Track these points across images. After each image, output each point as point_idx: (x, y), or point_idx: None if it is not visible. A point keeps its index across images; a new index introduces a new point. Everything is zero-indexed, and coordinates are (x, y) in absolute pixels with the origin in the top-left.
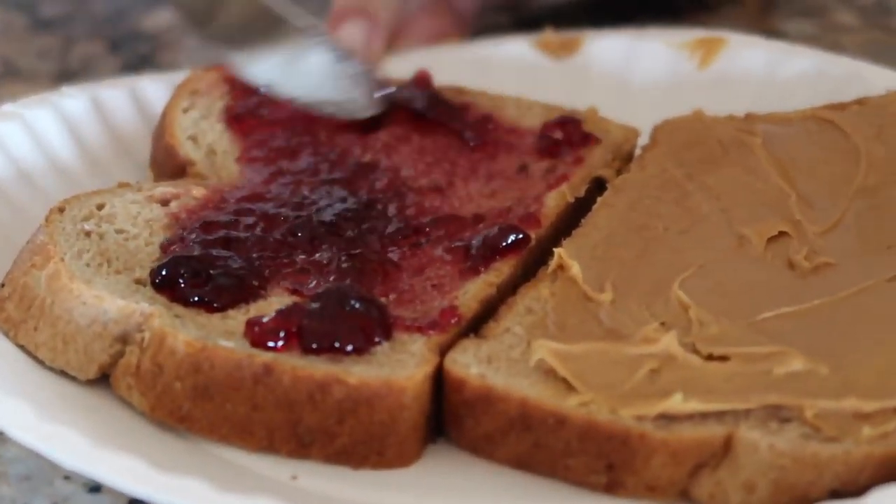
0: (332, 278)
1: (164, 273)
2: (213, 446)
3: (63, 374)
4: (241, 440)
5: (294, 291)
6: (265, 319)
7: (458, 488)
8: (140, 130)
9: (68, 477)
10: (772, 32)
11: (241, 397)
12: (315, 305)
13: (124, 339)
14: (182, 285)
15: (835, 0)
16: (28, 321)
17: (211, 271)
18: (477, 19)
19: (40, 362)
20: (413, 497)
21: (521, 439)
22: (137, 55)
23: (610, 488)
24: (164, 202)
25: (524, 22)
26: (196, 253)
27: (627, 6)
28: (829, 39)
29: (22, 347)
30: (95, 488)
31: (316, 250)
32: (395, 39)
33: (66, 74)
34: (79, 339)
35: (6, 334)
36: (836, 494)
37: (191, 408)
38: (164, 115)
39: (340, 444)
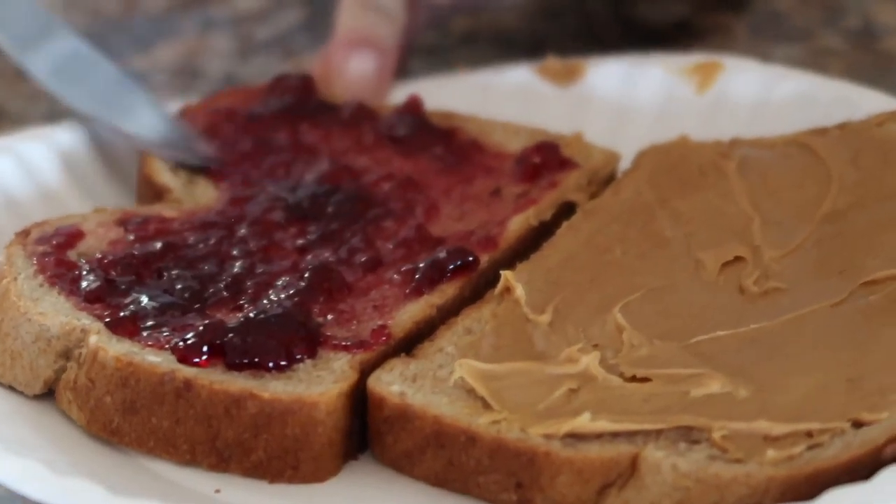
0: (280, 295)
1: (89, 289)
2: (147, 460)
3: (12, 389)
4: (166, 453)
5: (237, 308)
6: (190, 335)
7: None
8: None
9: None
10: (758, 57)
11: (165, 411)
12: (239, 322)
13: (66, 356)
14: (106, 304)
15: (820, 24)
16: None
17: (134, 294)
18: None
19: None
20: None
21: (437, 457)
22: None
23: None
24: (128, 225)
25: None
26: (123, 274)
27: (615, 33)
28: (815, 63)
29: None
30: None
31: (271, 263)
32: None
33: (55, 116)
34: (25, 356)
35: None
36: None
37: (120, 421)
38: None
39: (256, 459)
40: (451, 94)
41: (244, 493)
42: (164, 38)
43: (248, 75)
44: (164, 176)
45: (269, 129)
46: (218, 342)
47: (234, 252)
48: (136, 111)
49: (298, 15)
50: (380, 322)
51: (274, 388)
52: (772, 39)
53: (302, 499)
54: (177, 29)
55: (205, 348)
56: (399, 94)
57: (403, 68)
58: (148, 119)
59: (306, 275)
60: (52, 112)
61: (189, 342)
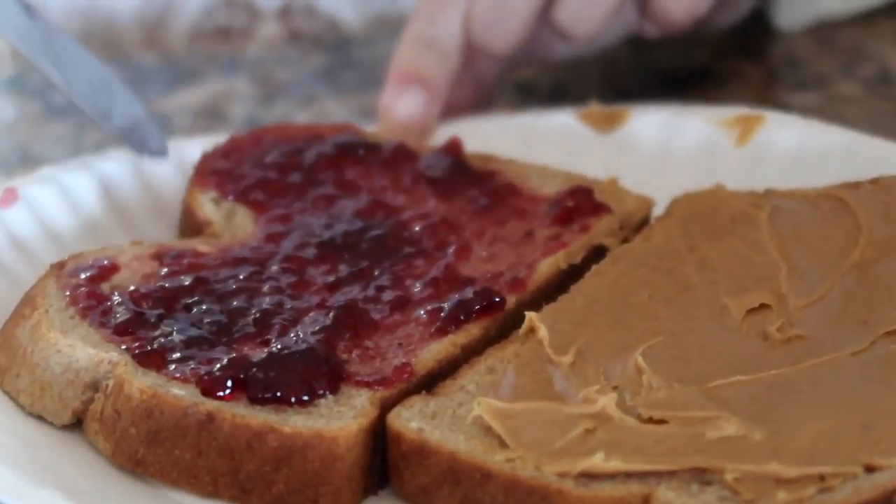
0: (306, 331)
1: (118, 322)
2: (171, 491)
3: (41, 418)
4: (189, 485)
5: (263, 343)
6: (215, 369)
7: None
8: (180, 193)
9: None
10: (776, 104)
11: (187, 444)
12: (263, 357)
13: (94, 387)
14: (135, 336)
15: (837, 71)
16: (13, 368)
17: (164, 327)
18: (498, 88)
19: (22, 408)
20: None
21: (453, 493)
22: None
23: None
24: (163, 259)
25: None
26: (153, 307)
27: (635, 81)
28: (832, 111)
29: (7, 394)
30: None
31: (300, 300)
32: None
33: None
34: (54, 386)
35: None
36: None
37: (145, 452)
38: (192, 176)
39: (277, 492)
40: (493, 135)
41: None
42: (186, 81)
43: (270, 119)
44: (206, 208)
45: (312, 165)
46: (241, 376)
47: (264, 288)
48: (111, 97)
49: (321, 60)
50: (403, 360)
51: (295, 422)
52: (788, 87)
53: None
54: (198, 71)
55: (229, 382)
56: (442, 134)
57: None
58: (120, 107)
59: (332, 312)
60: (76, 156)
61: (213, 375)
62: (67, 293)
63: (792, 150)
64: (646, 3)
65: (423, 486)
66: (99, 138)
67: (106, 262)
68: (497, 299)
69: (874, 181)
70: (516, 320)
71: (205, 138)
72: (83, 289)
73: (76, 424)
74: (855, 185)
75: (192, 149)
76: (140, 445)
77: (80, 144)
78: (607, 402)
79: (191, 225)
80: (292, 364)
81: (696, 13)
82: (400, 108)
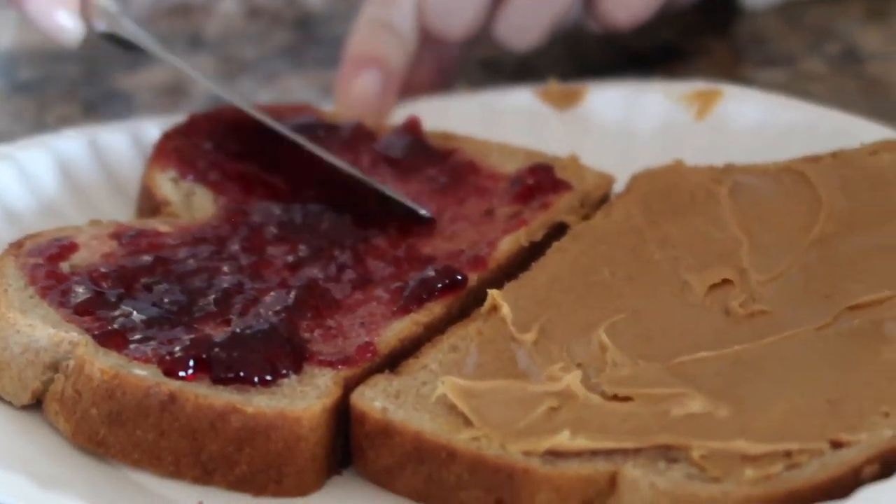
0: (267, 311)
1: (78, 302)
2: (132, 472)
3: (1, 399)
4: (150, 465)
5: (225, 323)
6: (176, 349)
7: None
8: (137, 173)
9: None
10: (742, 81)
11: (149, 424)
12: (225, 336)
13: (55, 367)
14: (95, 316)
15: (803, 48)
16: None
17: (124, 307)
18: (460, 67)
19: None
20: None
21: (417, 472)
22: (111, 116)
23: None
24: (122, 238)
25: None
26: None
27: (602, 58)
28: (798, 88)
29: None
30: None
31: (261, 279)
32: None
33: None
34: (13, 366)
35: None
36: None
37: (106, 433)
38: (151, 155)
39: (240, 472)
40: (453, 114)
41: None
42: (148, 60)
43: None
44: (165, 188)
45: (271, 145)
46: (204, 356)
47: (225, 267)
48: None
49: (283, 37)
50: (366, 339)
51: (258, 402)
52: (755, 64)
53: None
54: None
55: (191, 362)
56: (401, 115)
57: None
58: None
59: (293, 292)
60: (38, 132)
61: (175, 356)
62: (26, 272)
63: (752, 124)
64: (591, 4)
65: (388, 466)
66: (61, 114)
67: (65, 242)
68: (459, 277)
69: (835, 154)
70: (478, 298)
71: (164, 118)
72: (42, 268)
73: (36, 405)
74: (815, 159)
75: (150, 128)
76: (101, 426)
77: (40, 120)
78: (571, 379)
79: (149, 205)
80: (255, 344)
81: (640, 19)
82: (356, 90)
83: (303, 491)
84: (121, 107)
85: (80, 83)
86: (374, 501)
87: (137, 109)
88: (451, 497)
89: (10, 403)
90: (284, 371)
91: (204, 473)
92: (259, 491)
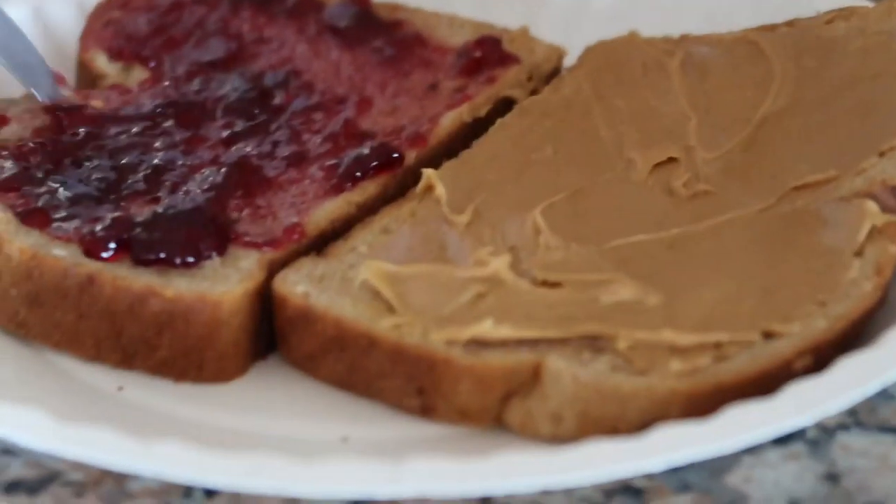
0: (196, 189)
1: (3, 178)
2: (54, 355)
3: None
4: (71, 348)
5: (153, 201)
6: (98, 228)
7: (276, 406)
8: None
9: None
10: None
11: (68, 306)
12: (148, 216)
13: None
14: (20, 193)
15: None
16: None
17: (51, 183)
18: None
19: None
20: (227, 412)
21: (339, 359)
22: None
23: (424, 412)
24: (56, 112)
25: None
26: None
27: None
28: None
29: None
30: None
31: (193, 156)
32: None
33: None
34: None
35: None
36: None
37: (26, 314)
38: (85, 29)
39: (161, 357)
40: None
41: (148, 391)
42: None
43: None
44: (100, 61)
45: (212, 14)
46: (125, 236)
47: (157, 143)
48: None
49: None
50: (295, 219)
51: (178, 285)
52: None
53: (203, 398)
54: None
55: (112, 243)
56: None
57: None
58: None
59: (223, 169)
60: None
61: (96, 235)
62: None
63: None
64: None
65: (310, 353)
66: None
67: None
68: (395, 155)
69: (790, 23)
70: (417, 177)
71: None
72: None
73: None
74: (772, 28)
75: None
76: (21, 307)
77: None
78: (500, 264)
79: (86, 77)
80: (177, 224)
81: None
82: None
83: (225, 377)
84: None
85: None
86: (296, 388)
87: None
88: (372, 385)
89: None
90: (207, 253)
91: (125, 357)
92: (180, 376)
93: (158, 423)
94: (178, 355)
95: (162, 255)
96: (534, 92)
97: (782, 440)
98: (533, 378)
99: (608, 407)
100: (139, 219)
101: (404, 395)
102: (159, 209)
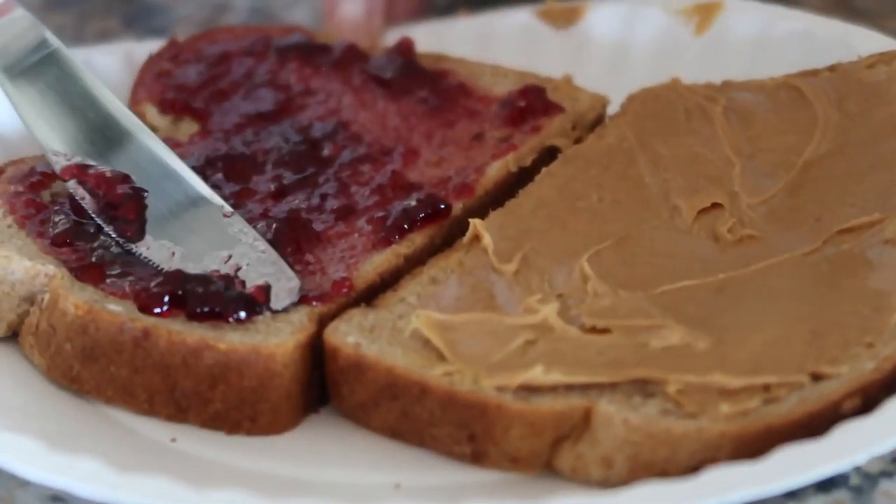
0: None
1: (57, 233)
2: (107, 408)
3: None
4: (124, 402)
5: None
6: (152, 284)
7: (328, 455)
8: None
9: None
10: None
11: (123, 360)
12: (201, 272)
13: (31, 300)
14: (73, 248)
15: None
16: None
17: (103, 238)
18: None
19: None
20: (281, 462)
21: (390, 408)
22: (151, 29)
23: (475, 459)
24: None
25: None
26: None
27: None
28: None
29: None
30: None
31: (243, 209)
32: None
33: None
34: None
35: None
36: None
37: (80, 369)
38: (136, 81)
39: (214, 410)
40: (452, 38)
41: (200, 443)
42: None
43: (274, 9)
44: (150, 114)
45: (259, 66)
46: (179, 292)
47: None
48: None
49: None
50: (343, 273)
51: (231, 339)
52: None
53: (256, 450)
54: None
55: (166, 298)
56: (398, 37)
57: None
58: None
59: (274, 225)
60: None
61: (150, 291)
62: (5, 201)
63: (751, 36)
64: None
65: (362, 403)
66: (101, 28)
67: (48, 169)
68: (442, 206)
69: (832, 68)
70: (463, 228)
71: (154, 41)
72: (22, 196)
73: (11, 337)
74: (813, 73)
75: (140, 49)
76: (75, 361)
77: (80, 35)
78: (549, 311)
79: None
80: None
81: None
82: (342, 12)
83: (278, 429)
84: (160, 20)
85: None
86: (348, 439)
87: (176, 22)
88: (423, 433)
89: None
90: (259, 308)
91: (178, 411)
92: (233, 429)
93: (214, 473)
94: (231, 408)
95: (215, 310)
96: (578, 140)
97: (825, 486)
98: (583, 423)
99: (659, 450)
100: (192, 274)
101: (455, 441)
102: (220, 262)
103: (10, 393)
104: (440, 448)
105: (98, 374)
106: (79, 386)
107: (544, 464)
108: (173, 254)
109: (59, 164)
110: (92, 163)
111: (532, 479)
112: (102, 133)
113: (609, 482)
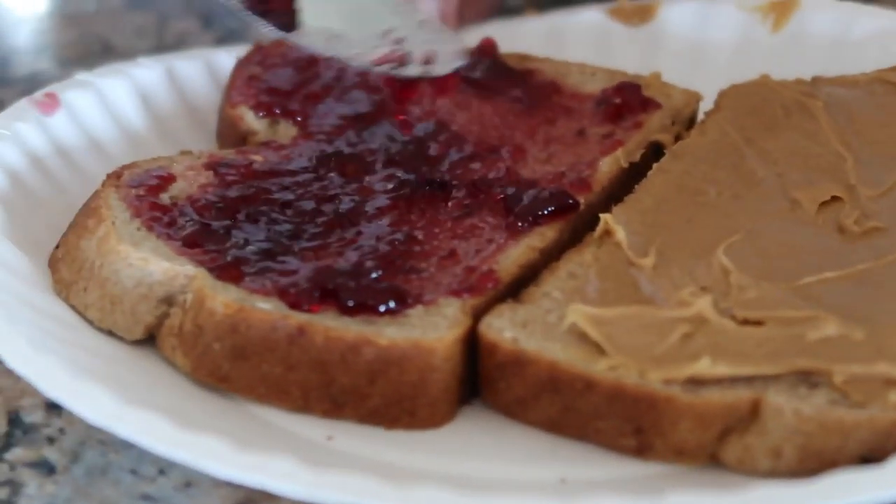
0: (378, 245)
1: (187, 234)
2: (255, 407)
3: (111, 334)
4: (277, 400)
5: (336, 253)
6: (300, 280)
7: (488, 450)
8: (214, 101)
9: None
10: None
11: (276, 358)
12: (350, 265)
13: (169, 301)
14: (204, 249)
15: None
16: (79, 282)
17: (234, 238)
18: None
19: (90, 322)
20: (443, 458)
21: (552, 402)
22: (229, 30)
23: (640, 452)
24: (217, 168)
25: None
26: (218, 218)
27: None
28: None
29: (73, 308)
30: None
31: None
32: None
33: (162, 50)
34: (125, 301)
35: (59, 295)
36: (865, 461)
37: (229, 368)
38: (228, 85)
39: (372, 405)
40: (522, 38)
41: (357, 440)
42: None
43: None
44: (248, 117)
45: (346, 69)
46: (330, 287)
47: (329, 194)
48: None
49: None
50: (484, 266)
51: (390, 333)
52: None
53: (413, 444)
54: None
55: (316, 293)
56: (471, 40)
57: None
58: None
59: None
60: (158, 47)
61: (300, 287)
62: (129, 205)
63: (829, 33)
64: None
65: (520, 397)
66: (181, 30)
67: (162, 173)
68: (570, 201)
69: None
70: (585, 221)
71: (234, 46)
72: (144, 200)
73: (146, 340)
74: None
75: (224, 56)
76: (224, 361)
77: (160, 36)
78: (703, 304)
79: (233, 135)
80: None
81: None
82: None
83: (436, 423)
84: (237, 20)
85: None
86: (505, 432)
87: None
88: (587, 426)
89: (120, 338)
90: (410, 300)
91: (334, 407)
92: (391, 423)
93: (383, 470)
94: (390, 403)
95: (370, 303)
96: (677, 136)
97: None
98: (751, 414)
99: (830, 440)
100: (342, 268)
101: (620, 434)
102: (358, 258)
103: (164, 396)
104: (603, 441)
105: (249, 372)
106: (227, 385)
107: (709, 455)
108: (331, 40)
109: None
110: None
111: (699, 470)
112: None
113: (777, 472)
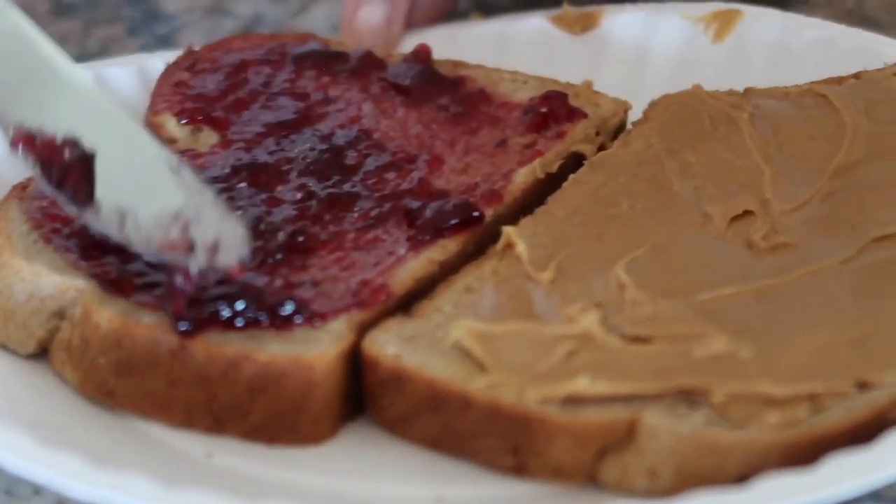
0: (273, 257)
1: (84, 246)
2: (140, 423)
3: (6, 348)
4: (161, 415)
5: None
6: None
7: (368, 467)
8: (145, 108)
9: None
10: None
11: (159, 373)
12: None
13: (60, 315)
14: (100, 262)
15: None
16: None
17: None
18: None
19: None
20: (321, 475)
21: (432, 420)
22: (156, 37)
23: (517, 471)
24: None
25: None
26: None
27: None
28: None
29: None
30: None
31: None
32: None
33: (85, 58)
34: (18, 314)
35: None
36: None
37: (115, 383)
38: (154, 92)
39: (254, 421)
40: (466, 43)
41: (237, 456)
42: None
43: (276, 17)
44: (169, 126)
45: (277, 74)
46: (204, 316)
47: (233, 206)
48: None
49: None
50: (380, 280)
51: (271, 349)
52: None
53: (293, 461)
54: None
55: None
56: (411, 44)
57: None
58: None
59: (301, 225)
60: (81, 55)
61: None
62: (30, 217)
63: (772, 44)
64: None
65: (401, 414)
66: (105, 36)
67: None
68: (475, 213)
69: (857, 75)
70: (493, 234)
71: (167, 52)
72: (47, 212)
73: (42, 354)
74: (838, 80)
75: (155, 62)
76: (110, 376)
77: (85, 44)
78: (590, 321)
79: None
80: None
81: None
82: (360, 19)
83: (317, 439)
84: (165, 28)
85: (125, 4)
86: (387, 449)
87: (181, 30)
88: (466, 445)
89: (15, 352)
90: (298, 316)
91: (216, 423)
92: (272, 440)
93: (256, 487)
94: (271, 419)
95: (253, 316)
96: (602, 147)
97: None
98: (628, 434)
99: (706, 461)
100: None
101: (498, 453)
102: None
103: (43, 412)
104: (482, 460)
105: (133, 387)
106: (114, 401)
107: (588, 475)
108: (123, 220)
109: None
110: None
111: (574, 490)
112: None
113: (654, 493)
